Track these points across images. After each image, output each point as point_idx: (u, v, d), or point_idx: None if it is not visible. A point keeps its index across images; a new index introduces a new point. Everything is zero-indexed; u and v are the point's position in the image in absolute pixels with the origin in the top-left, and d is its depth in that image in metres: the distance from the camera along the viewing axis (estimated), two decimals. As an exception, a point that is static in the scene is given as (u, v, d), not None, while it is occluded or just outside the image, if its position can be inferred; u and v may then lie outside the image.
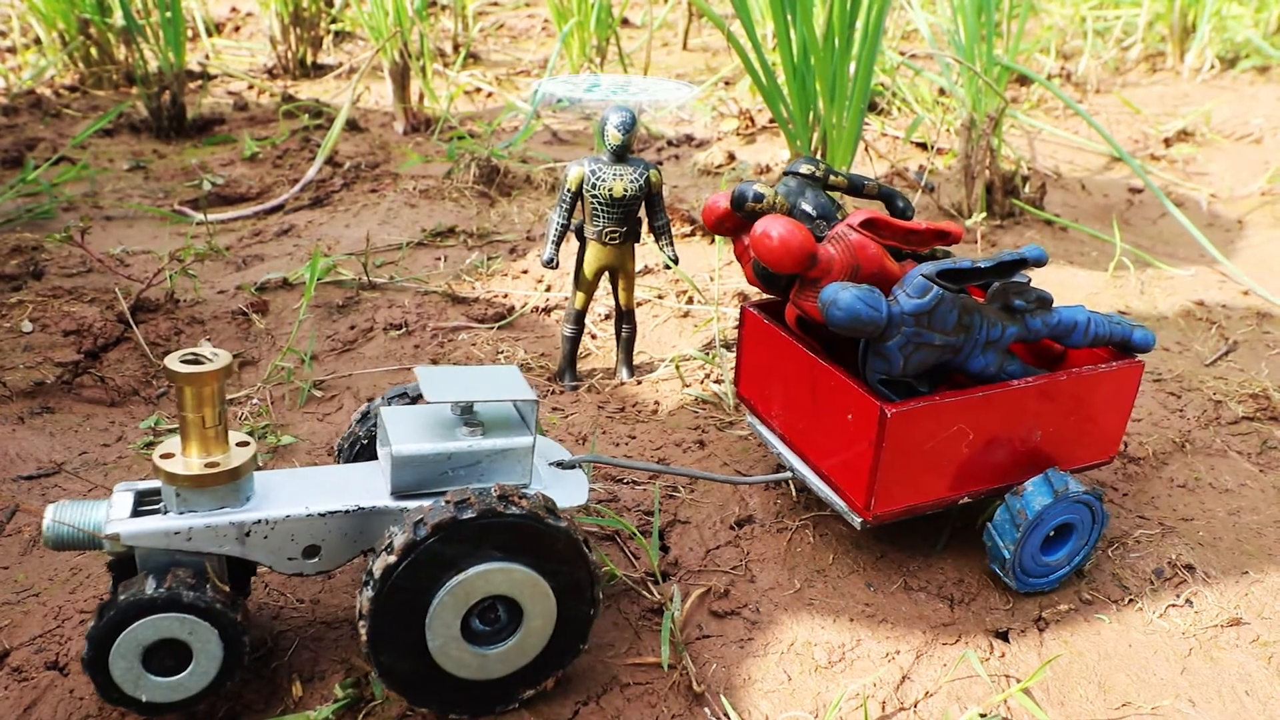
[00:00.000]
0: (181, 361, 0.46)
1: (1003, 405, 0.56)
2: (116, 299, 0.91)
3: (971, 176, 1.22)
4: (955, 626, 0.57)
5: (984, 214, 1.23)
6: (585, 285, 0.80)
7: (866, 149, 1.40)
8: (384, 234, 1.13)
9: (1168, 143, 1.61)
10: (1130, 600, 0.60)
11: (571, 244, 0.81)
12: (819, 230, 0.62)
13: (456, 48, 2.17)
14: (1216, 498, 0.70)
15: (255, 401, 0.79)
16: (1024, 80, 1.92)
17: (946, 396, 0.54)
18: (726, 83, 1.94)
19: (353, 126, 1.58)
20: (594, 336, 0.92)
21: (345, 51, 2.19)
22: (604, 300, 0.96)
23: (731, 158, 1.46)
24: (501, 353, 0.86)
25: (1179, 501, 0.69)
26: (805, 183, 0.65)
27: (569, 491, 0.53)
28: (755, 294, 0.96)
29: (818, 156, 0.74)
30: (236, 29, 2.36)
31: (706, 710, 0.51)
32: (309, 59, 1.99)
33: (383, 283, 0.99)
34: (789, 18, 1.00)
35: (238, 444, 0.48)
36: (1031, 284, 0.58)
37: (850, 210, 0.60)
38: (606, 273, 0.80)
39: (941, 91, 1.75)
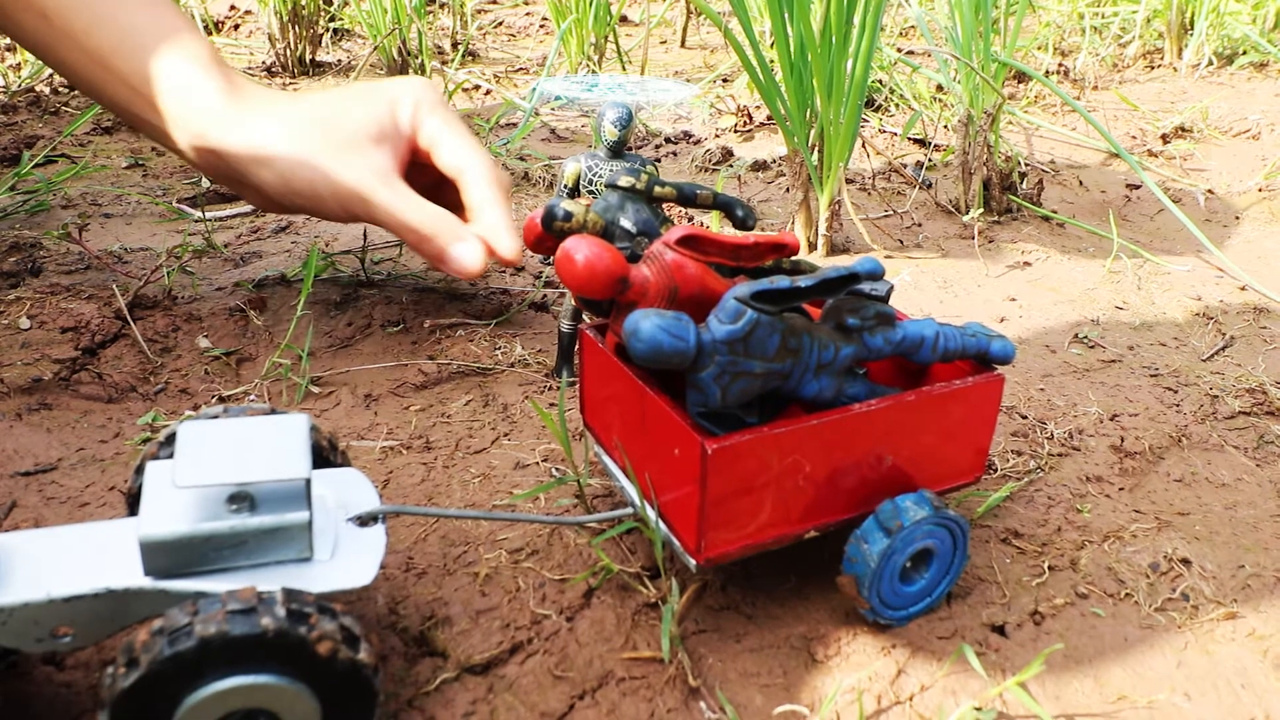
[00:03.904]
0: None
1: (841, 432, 0.52)
2: (114, 296, 0.91)
3: (969, 173, 1.22)
4: (951, 621, 0.57)
5: (981, 210, 1.23)
6: (582, 281, 0.80)
7: (864, 145, 1.40)
8: (382, 230, 1.13)
9: (1165, 139, 1.61)
10: (1126, 594, 0.60)
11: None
12: (641, 248, 0.58)
13: (455, 45, 2.17)
14: (1213, 492, 0.70)
15: (253, 398, 0.79)
16: (1022, 77, 1.92)
17: (776, 427, 0.50)
18: (724, 80, 1.94)
19: (351, 124, 1.57)
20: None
21: (344, 49, 2.19)
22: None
23: (729, 154, 1.46)
24: (499, 349, 0.86)
25: (1175, 496, 0.70)
26: (626, 196, 0.62)
27: (356, 564, 0.47)
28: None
29: (650, 163, 0.70)
30: (236, 27, 2.36)
31: (702, 704, 0.51)
32: (308, 56, 1.99)
33: (380, 279, 0.99)
34: (786, 15, 1.00)
35: None
36: (878, 298, 0.53)
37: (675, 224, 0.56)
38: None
39: (939, 88, 1.75)
